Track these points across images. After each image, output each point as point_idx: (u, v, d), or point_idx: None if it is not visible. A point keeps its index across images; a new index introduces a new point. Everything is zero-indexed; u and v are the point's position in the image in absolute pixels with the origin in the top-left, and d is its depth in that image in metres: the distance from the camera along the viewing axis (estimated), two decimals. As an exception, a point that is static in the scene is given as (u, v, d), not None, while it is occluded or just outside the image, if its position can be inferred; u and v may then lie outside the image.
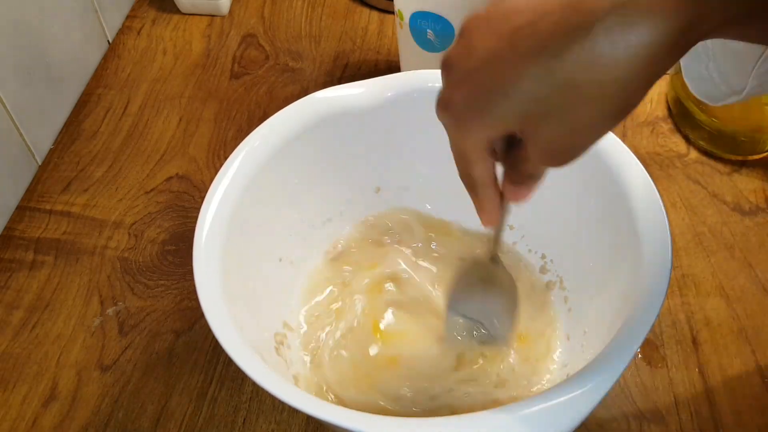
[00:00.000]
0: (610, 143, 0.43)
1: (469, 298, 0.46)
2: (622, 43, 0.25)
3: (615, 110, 0.27)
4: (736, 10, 0.26)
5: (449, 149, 0.33)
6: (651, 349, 0.50)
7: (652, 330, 0.46)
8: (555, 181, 0.47)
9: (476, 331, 0.47)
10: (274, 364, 0.42)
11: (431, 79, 0.46)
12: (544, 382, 0.45)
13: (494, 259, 0.43)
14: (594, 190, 0.44)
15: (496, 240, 0.42)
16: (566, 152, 0.30)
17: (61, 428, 0.46)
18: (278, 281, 0.47)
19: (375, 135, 0.48)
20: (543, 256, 0.50)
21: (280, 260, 0.47)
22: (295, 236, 0.49)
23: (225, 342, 0.35)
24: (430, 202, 0.53)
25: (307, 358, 0.46)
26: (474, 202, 0.35)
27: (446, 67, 0.30)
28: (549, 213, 0.48)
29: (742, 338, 0.50)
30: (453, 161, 0.33)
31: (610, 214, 0.43)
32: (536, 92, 0.27)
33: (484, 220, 0.36)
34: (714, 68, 0.47)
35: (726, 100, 0.45)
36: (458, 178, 0.34)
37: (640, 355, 0.49)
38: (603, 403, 0.33)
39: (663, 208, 0.40)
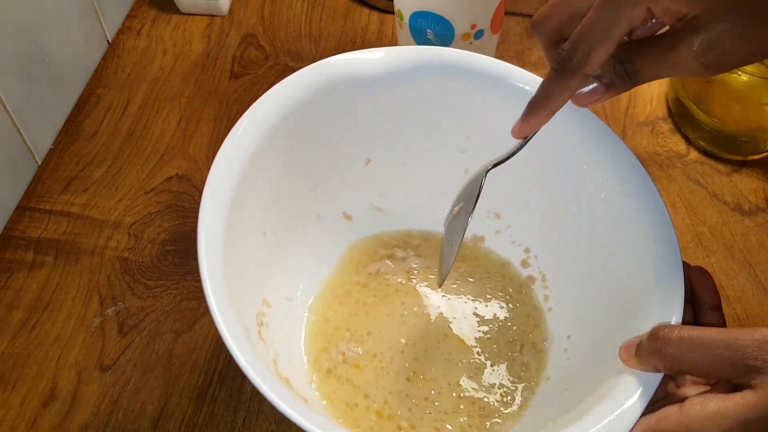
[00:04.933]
0: (609, 143, 0.43)
1: None
2: None
3: None
4: None
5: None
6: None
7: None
8: (548, 175, 0.46)
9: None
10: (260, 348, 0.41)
11: (452, 56, 0.45)
12: (521, 389, 0.45)
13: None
14: (591, 189, 0.43)
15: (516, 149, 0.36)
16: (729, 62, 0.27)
17: (60, 428, 0.46)
18: (271, 259, 0.46)
19: (389, 104, 0.47)
20: (527, 250, 0.50)
21: (271, 237, 0.46)
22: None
23: (240, 359, 0.33)
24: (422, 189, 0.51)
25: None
26: (540, 93, 0.31)
27: None
28: (538, 206, 0.48)
29: (742, 338, 0.50)
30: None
31: (608, 215, 0.42)
32: None
33: (536, 118, 0.31)
34: None
35: None
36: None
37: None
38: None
39: (664, 206, 0.40)
